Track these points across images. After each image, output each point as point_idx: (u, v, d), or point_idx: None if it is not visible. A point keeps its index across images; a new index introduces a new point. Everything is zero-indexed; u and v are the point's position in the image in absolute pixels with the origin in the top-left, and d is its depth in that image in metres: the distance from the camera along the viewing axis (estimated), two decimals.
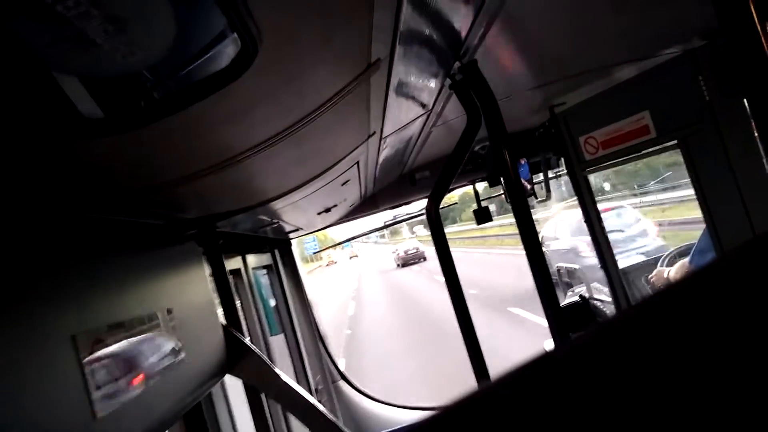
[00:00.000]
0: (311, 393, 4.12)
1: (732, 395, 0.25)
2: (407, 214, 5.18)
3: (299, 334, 4.34)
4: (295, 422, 3.25)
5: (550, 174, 3.67)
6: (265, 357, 2.15)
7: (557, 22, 1.82)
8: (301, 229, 4.19)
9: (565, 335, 2.07)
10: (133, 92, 0.85)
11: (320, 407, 2.14)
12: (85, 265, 1.29)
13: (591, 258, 9.22)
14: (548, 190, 3.67)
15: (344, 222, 4.59)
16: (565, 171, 3.24)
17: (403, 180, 4.06)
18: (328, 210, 3.32)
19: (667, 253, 3.83)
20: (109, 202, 1.29)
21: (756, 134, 2.44)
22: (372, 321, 17.07)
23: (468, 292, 2.16)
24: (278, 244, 4.47)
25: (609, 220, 10.06)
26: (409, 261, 31.86)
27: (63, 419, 1.05)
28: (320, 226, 4.84)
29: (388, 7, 1.03)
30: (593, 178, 3.23)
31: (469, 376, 2.09)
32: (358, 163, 2.27)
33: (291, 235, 4.55)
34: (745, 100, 2.31)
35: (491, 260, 24.04)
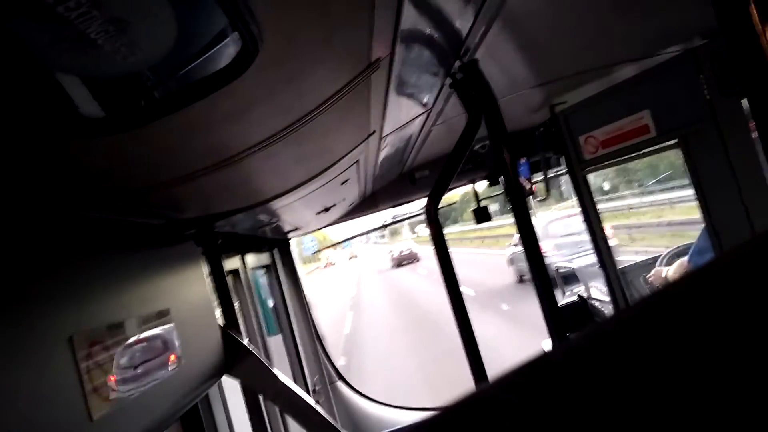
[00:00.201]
0: (309, 394, 4.12)
1: (731, 395, 0.24)
2: (405, 214, 5.17)
3: (297, 335, 4.34)
4: (292, 424, 3.25)
5: (550, 173, 3.67)
6: (263, 358, 2.14)
7: (558, 21, 1.82)
8: (300, 228, 4.18)
9: (563, 335, 2.07)
10: (133, 92, 0.84)
11: (318, 408, 2.13)
12: (82, 264, 1.29)
13: (555, 256, 11.12)
14: (548, 189, 3.66)
15: (343, 221, 4.58)
16: (566, 170, 3.24)
17: (403, 179, 4.05)
18: (327, 209, 3.32)
19: (665, 253, 3.83)
20: (107, 201, 1.28)
21: (755, 134, 2.44)
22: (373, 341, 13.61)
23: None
24: (277, 243, 4.47)
25: (572, 225, 12.57)
26: (402, 261, 33.52)
27: (59, 421, 1.04)
28: (319, 225, 4.83)
29: (388, 6, 1.03)
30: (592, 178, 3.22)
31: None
32: (357, 162, 2.26)
33: (290, 235, 4.54)
34: (745, 100, 2.31)
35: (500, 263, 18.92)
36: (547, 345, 3.51)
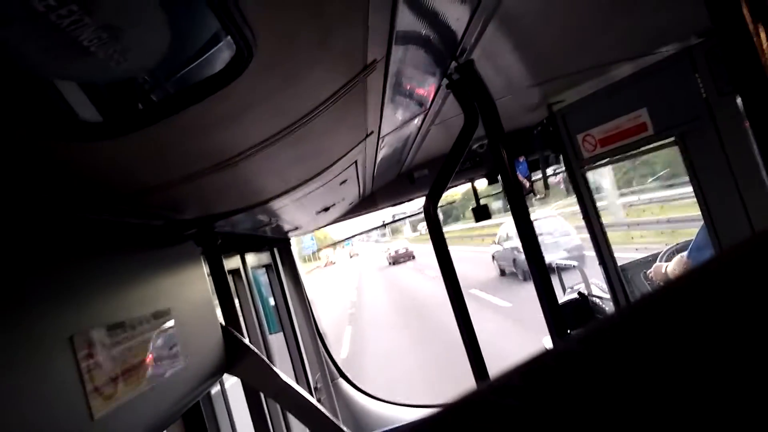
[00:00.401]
0: (310, 391, 4.13)
1: (730, 395, 0.25)
2: (405, 213, 5.18)
3: (299, 333, 4.34)
4: (294, 422, 3.26)
5: (549, 171, 3.67)
6: (264, 356, 2.15)
7: (554, 20, 1.82)
8: (300, 228, 4.19)
9: (563, 333, 2.07)
10: (129, 96, 0.85)
11: (319, 406, 2.14)
12: (83, 265, 1.30)
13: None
14: (546, 188, 3.67)
15: (343, 220, 4.59)
16: (564, 168, 3.25)
17: (402, 179, 4.07)
18: (326, 209, 3.32)
19: (666, 249, 3.83)
20: (107, 203, 1.29)
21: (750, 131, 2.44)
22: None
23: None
24: (277, 243, 4.48)
25: (543, 227, 14.97)
26: (399, 259, 35.99)
27: (60, 420, 1.06)
28: (319, 225, 4.84)
29: (383, 8, 1.04)
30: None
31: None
32: (356, 162, 2.27)
33: (290, 234, 4.55)
34: (738, 99, 2.32)
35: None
36: (547, 343, 3.51)
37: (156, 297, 1.60)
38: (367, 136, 1.89)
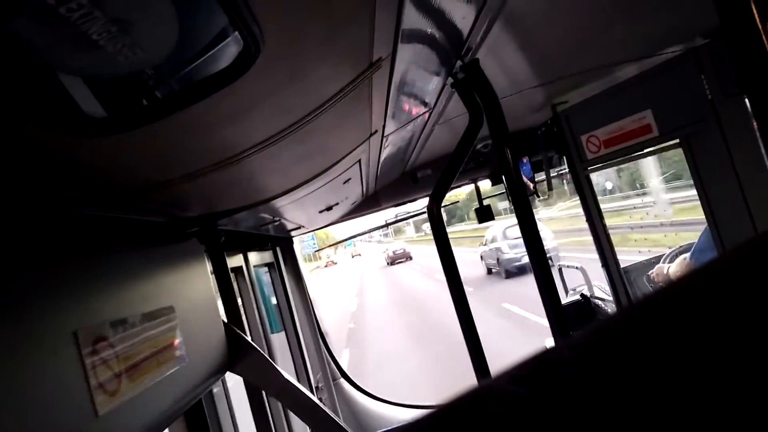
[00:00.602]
0: (312, 391, 4.13)
1: (731, 395, 0.24)
2: (407, 213, 5.18)
3: (300, 332, 4.35)
4: (295, 420, 3.26)
5: (552, 173, 3.67)
6: (266, 354, 2.15)
7: (559, 20, 1.82)
8: (303, 227, 4.19)
9: (566, 334, 2.07)
10: (136, 91, 0.85)
11: (321, 405, 2.14)
12: (88, 261, 1.30)
13: (509, 254, 17.33)
14: (550, 189, 3.67)
15: (346, 220, 4.59)
16: (567, 169, 3.24)
17: (405, 178, 4.06)
18: (330, 208, 3.32)
19: (670, 252, 3.82)
20: (112, 199, 1.29)
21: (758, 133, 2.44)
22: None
23: None
24: (280, 241, 4.48)
25: (516, 229, 14.22)
26: (396, 260, 37.96)
27: (65, 416, 1.06)
28: (322, 224, 4.84)
29: (390, 6, 1.04)
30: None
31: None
32: (359, 161, 2.27)
33: (293, 233, 4.55)
34: (746, 99, 2.31)
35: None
36: (549, 343, 3.50)
37: (159, 294, 1.60)
38: (372, 134, 1.89)
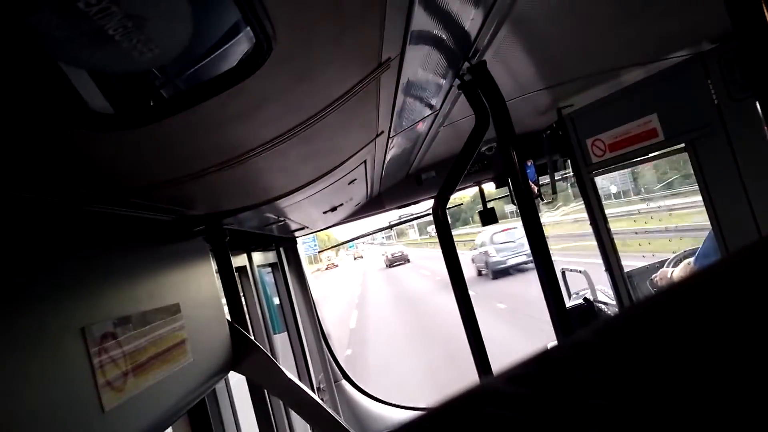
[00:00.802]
0: (314, 392, 4.13)
1: (732, 399, 0.24)
2: (411, 215, 5.17)
3: (303, 333, 4.35)
4: (297, 420, 3.26)
5: (557, 176, 3.67)
6: (269, 354, 2.16)
7: (566, 24, 1.82)
8: (307, 227, 4.20)
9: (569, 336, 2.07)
10: (147, 88, 0.86)
11: (324, 405, 2.14)
12: (96, 258, 1.30)
13: (496, 257, 19.39)
14: (554, 192, 3.66)
15: (350, 221, 4.59)
16: (572, 173, 3.24)
17: (410, 180, 4.06)
18: (334, 209, 3.33)
19: (673, 256, 3.82)
20: (120, 196, 1.29)
21: (765, 137, 2.43)
22: None
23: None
24: (284, 242, 4.48)
25: (509, 235, 19.61)
26: (395, 262, 39.59)
27: (72, 412, 1.06)
28: (326, 224, 4.84)
29: (400, 7, 1.04)
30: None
31: None
32: (365, 162, 2.27)
33: (297, 234, 4.55)
34: (757, 103, 2.31)
35: None
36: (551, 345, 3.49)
37: (166, 292, 1.61)
38: (378, 135, 1.89)
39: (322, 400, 3.87)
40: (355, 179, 2.57)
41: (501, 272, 19.27)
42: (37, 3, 0.51)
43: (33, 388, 0.96)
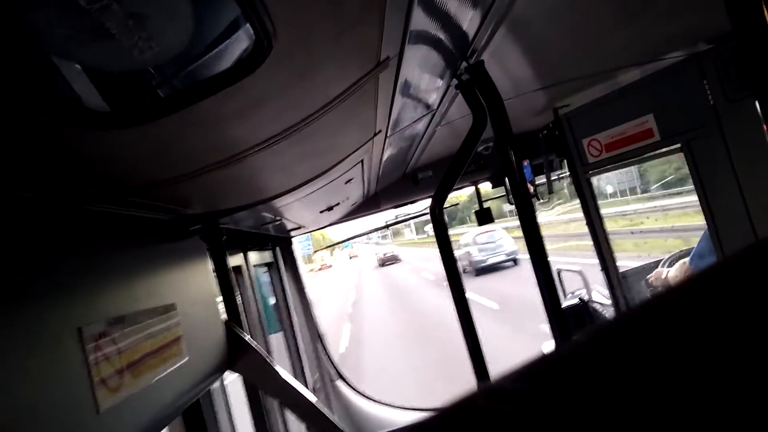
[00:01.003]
0: (309, 392, 4.12)
1: (729, 403, 0.24)
2: (407, 214, 5.17)
3: (298, 333, 4.34)
4: (292, 420, 3.25)
5: (553, 176, 3.67)
6: (265, 354, 2.15)
7: (563, 24, 1.82)
8: (303, 227, 4.19)
9: (566, 336, 2.07)
10: (147, 86, 0.85)
11: (319, 405, 2.14)
12: (93, 257, 1.29)
13: (478, 257, 21.97)
14: (550, 192, 3.67)
15: (346, 221, 4.58)
16: (568, 173, 3.25)
17: (406, 180, 4.07)
18: (330, 208, 3.32)
19: (668, 256, 3.83)
20: (117, 195, 1.29)
21: (761, 138, 2.44)
22: None
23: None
24: (279, 241, 4.47)
25: (485, 236, 21.91)
26: (386, 262, 41.87)
27: (67, 412, 1.05)
28: (322, 224, 4.84)
29: (400, 6, 1.04)
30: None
31: None
32: (362, 161, 2.27)
33: (292, 233, 4.55)
34: (756, 103, 2.31)
35: None
36: (548, 347, 3.50)
37: (162, 291, 1.60)
38: (375, 134, 1.89)
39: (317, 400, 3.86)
40: (352, 178, 2.57)
41: (482, 270, 21.64)
42: (40, 0, 0.50)
43: (29, 388, 0.95)
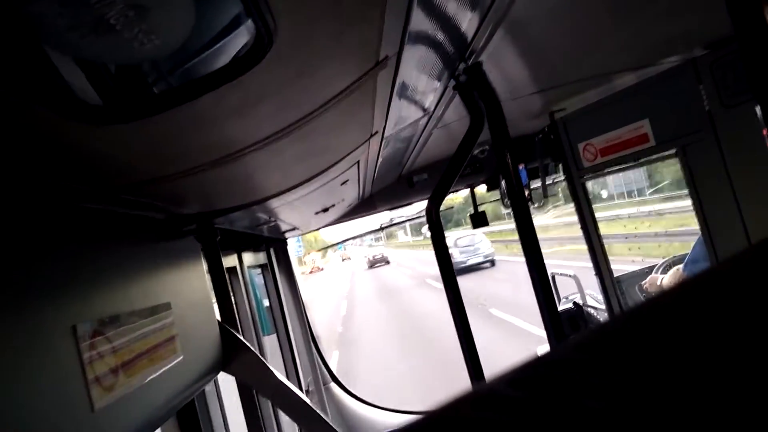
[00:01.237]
0: (303, 393, 4.11)
1: (723, 408, 0.24)
2: (402, 217, 5.18)
3: (292, 335, 4.33)
4: (286, 421, 3.24)
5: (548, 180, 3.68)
6: (259, 355, 2.14)
7: (561, 28, 1.83)
8: (298, 228, 4.18)
9: (561, 340, 2.07)
10: (140, 81, 0.85)
11: (314, 407, 2.13)
12: (87, 256, 1.28)
13: (459, 258, 23.01)
14: (545, 196, 3.68)
15: (341, 222, 4.58)
16: (563, 177, 3.25)
17: (401, 182, 4.07)
18: (326, 210, 3.32)
19: (662, 262, 3.84)
20: (111, 193, 1.28)
21: (757, 144, 2.45)
22: None
23: None
24: (274, 242, 4.46)
25: (466, 239, 24.37)
26: (375, 263, 42.84)
27: (61, 410, 1.04)
28: (317, 226, 4.83)
29: (400, 5, 1.04)
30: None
31: None
32: (358, 163, 2.27)
33: (287, 235, 4.54)
34: (757, 108, 2.32)
35: None
36: (543, 349, 3.50)
37: (156, 291, 1.59)
38: (372, 135, 1.88)
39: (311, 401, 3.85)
40: (348, 180, 2.56)
41: (462, 270, 22.84)
42: None
43: (22, 387, 0.94)
